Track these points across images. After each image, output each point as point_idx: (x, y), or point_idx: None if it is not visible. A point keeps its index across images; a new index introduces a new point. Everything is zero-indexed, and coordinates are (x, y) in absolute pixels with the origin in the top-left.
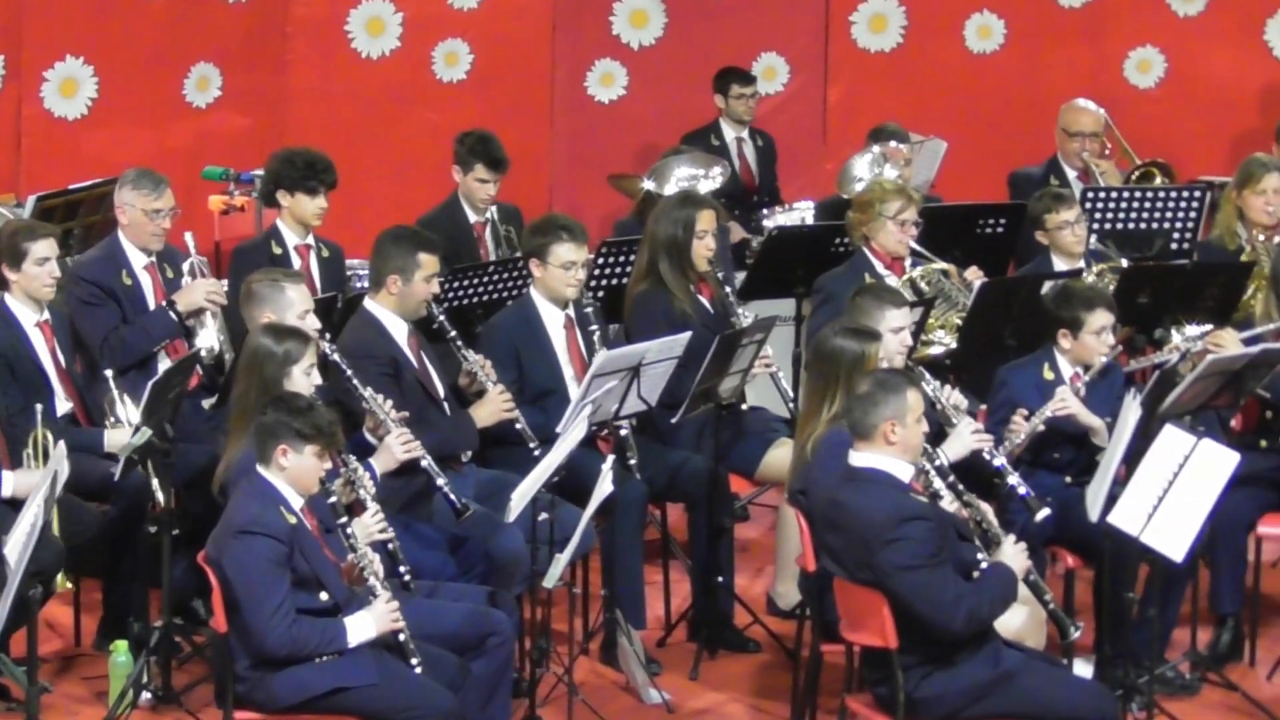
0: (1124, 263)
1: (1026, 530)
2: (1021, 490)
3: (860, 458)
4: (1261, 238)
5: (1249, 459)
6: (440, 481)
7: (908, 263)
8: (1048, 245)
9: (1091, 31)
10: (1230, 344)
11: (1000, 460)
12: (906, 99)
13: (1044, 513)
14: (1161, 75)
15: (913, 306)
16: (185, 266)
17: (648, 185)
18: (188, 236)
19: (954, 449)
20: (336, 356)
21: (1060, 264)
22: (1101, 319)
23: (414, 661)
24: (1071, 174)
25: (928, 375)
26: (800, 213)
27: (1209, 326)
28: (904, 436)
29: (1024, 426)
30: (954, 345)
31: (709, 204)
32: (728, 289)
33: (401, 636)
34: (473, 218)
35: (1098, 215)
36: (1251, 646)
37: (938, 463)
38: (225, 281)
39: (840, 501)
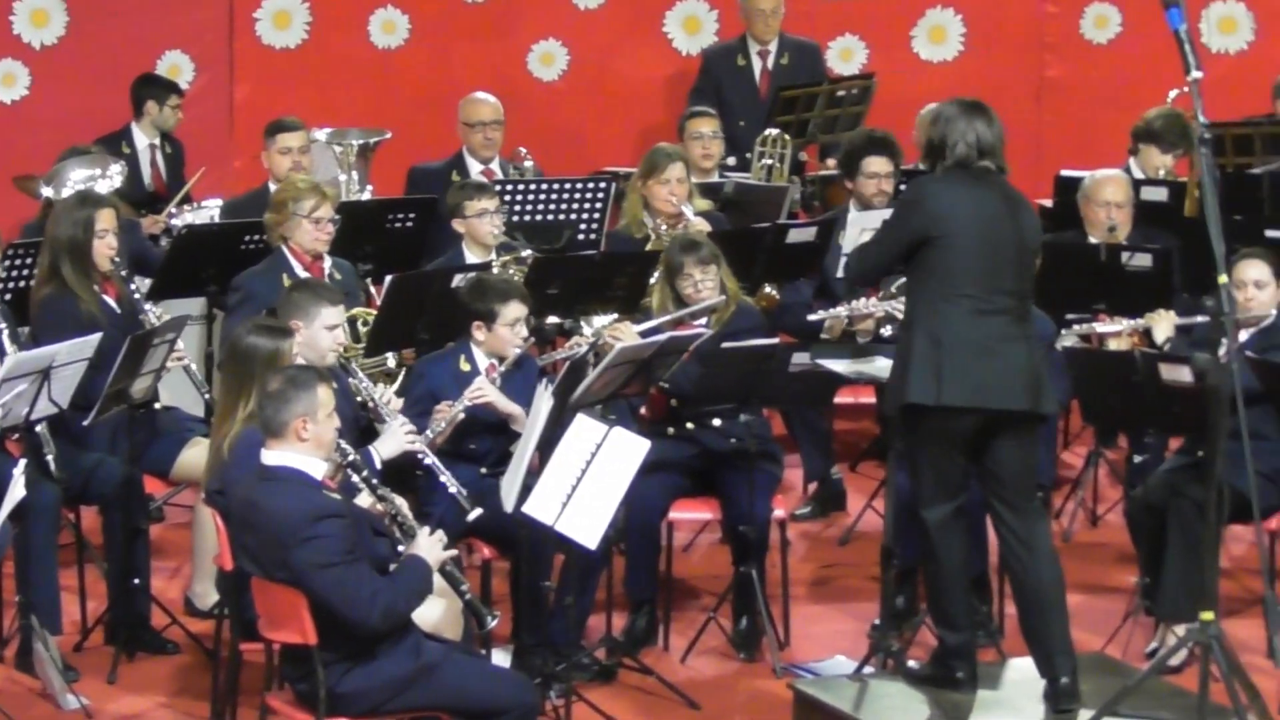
0: (529, 253)
1: (443, 522)
2: (452, 489)
3: (273, 456)
4: (665, 227)
5: (659, 446)
6: None
7: (327, 263)
8: (462, 237)
9: (495, 26)
10: (629, 336)
11: (431, 459)
12: (313, 95)
13: (476, 513)
14: (565, 68)
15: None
16: None
17: (45, 192)
18: None
19: (386, 448)
20: None
21: (472, 256)
22: (516, 311)
23: None
24: (476, 168)
25: (359, 373)
26: (209, 211)
27: (615, 316)
28: (316, 433)
29: (445, 414)
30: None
31: (108, 202)
32: (133, 287)
33: None
34: None
35: (504, 207)
36: (665, 631)
37: (351, 458)
38: None
39: (254, 501)
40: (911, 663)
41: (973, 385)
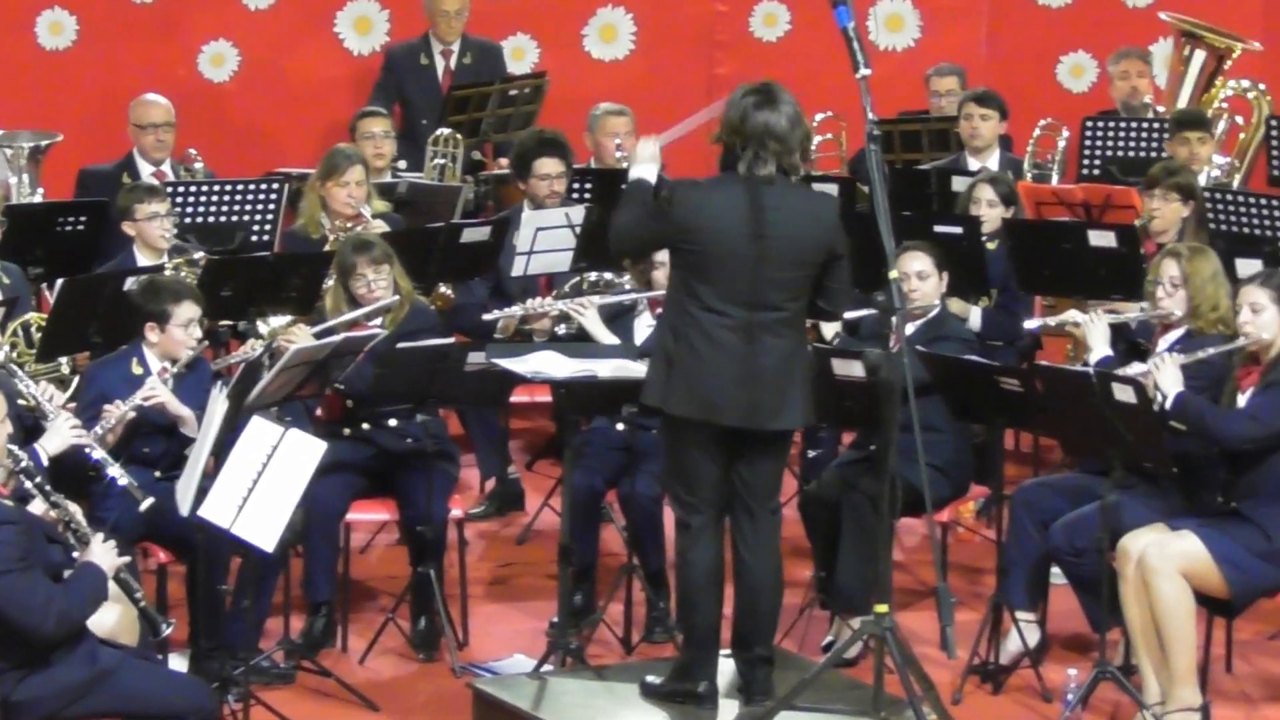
0: (201, 255)
1: (117, 528)
2: (123, 481)
3: None
4: (344, 227)
5: (336, 447)
6: None
7: None
8: (133, 239)
9: (165, 26)
10: (304, 338)
11: (100, 454)
12: None
13: (148, 502)
14: (236, 69)
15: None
16: None
17: None
18: None
19: (52, 443)
20: None
21: (144, 259)
22: (189, 311)
23: None
24: (147, 170)
25: (20, 373)
26: None
27: (290, 318)
28: None
29: (114, 413)
30: None
31: None
32: None
33: None
34: None
35: (177, 209)
36: (344, 632)
37: (23, 464)
38: None
39: None
40: (651, 678)
41: (699, 399)
